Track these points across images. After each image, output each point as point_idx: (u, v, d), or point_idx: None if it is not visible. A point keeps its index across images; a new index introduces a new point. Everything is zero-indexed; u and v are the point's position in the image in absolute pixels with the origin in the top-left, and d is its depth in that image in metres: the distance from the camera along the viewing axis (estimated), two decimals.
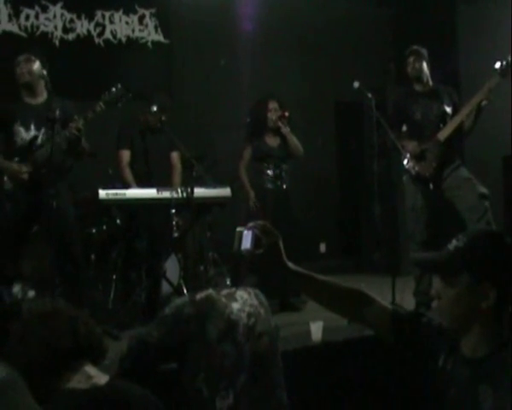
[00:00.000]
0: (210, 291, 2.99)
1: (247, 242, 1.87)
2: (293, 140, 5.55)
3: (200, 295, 2.95)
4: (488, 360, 1.70)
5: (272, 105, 5.56)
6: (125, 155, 5.27)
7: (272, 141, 5.61)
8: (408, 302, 4.75)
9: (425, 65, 5.14)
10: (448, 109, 5.07)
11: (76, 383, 1.87)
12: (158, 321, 2.99)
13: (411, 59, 5.14)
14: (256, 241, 1.87)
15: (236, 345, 2.84)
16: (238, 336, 2.86)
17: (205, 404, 2.80)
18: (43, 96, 4.51)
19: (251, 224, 1.90)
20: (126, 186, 5.03)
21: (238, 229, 1.90)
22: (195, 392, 2.80)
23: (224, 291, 3.06)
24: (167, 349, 2.95)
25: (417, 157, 4.96)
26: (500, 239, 1.80)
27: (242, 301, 2.98)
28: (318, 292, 2.00)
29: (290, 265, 1.94)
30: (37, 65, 4.47)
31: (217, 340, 2.82)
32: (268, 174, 5.51)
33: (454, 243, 1.79)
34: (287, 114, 5.51)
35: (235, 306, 2.93)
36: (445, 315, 1.79)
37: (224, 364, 2.81)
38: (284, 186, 5.54)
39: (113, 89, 4.58)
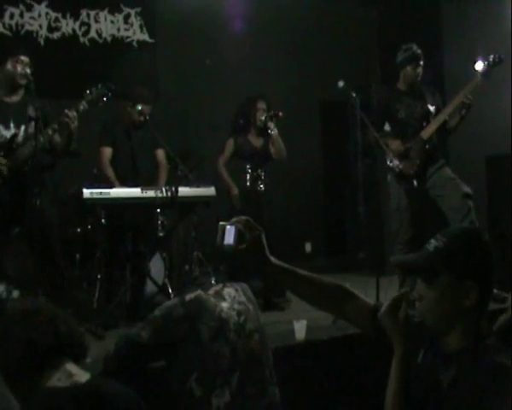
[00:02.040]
0: (199, 292, 3.00)
1: (229, 237, 1.88)
2: (280, 143, 5.50)
3: (189, 296, 2.96)
4: (465, 352, 1.72)
5: (261, 105, 5.55)
6: (107, 151, 5.27)
7: (256, 141, 5.59)
8: None
9: (421, 68, 5.15)
10: (431, 108, 5.11)
11: (56, 380, 1.86)
12: (147, 322, 2.99)
13: (414, 64, 5.09)
14: (239, 236, 1.88)
15: (229, 344, 2.85)
16: (230, 334, 2.87)
17: (196, 403, 2.80)
18: (19, 95, 4.49)
19: (234, 219, 1.91)
20: (110, 185, 5.02)
21: (221, 223, 1.91)
22: (186, 392, 2.80)
23: (212, 290, 3.07)
24: (156, 350, 2.95)
25: (401, 155, 4.99)
26: (478, 236, 1.81)
27: (231, 299, 2.99)
28: (300, 287, 2.01)
29: (273, 259, 1.95)
30: (30, 65, 4.45)
31: (209, 339, 2.83)
32: (248, 173, 5.48)
33: (433, 243, 1.79)
34: (280, 114, 5.48)
35: (225, 305, 2.94)
36: (427, 316, 1.78)
37: (218, 363, 2.82)
38: (262, 187, 5.50)
39: (95, 88, 4.56)
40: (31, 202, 4.21)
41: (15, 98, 4.48)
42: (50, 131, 4.35)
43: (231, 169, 5.64)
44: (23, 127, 4.39)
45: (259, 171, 5.45)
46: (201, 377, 2.80)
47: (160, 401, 2.86)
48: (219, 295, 3.00)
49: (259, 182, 5.46)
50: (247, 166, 5.47)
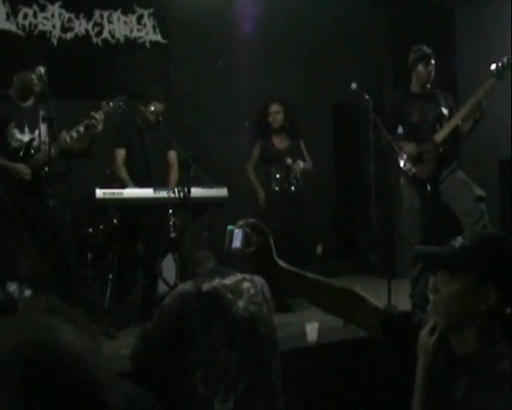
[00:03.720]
0: (216, 283, 2.90)
1: (237, 240, 1.87)
2: (307, 170, 5.67)
3: (206, 287, 2.86)
4: (476, 356, 1.71)
5: (274, 108, 5.57)
6: (121, 153, 5.29)
7: (280, 143, 5.62)
8: (404, 304, 4.76)
9: (433, 69, 5.12)
10: (445, 111, 5.08)
11: None
12: (163, 313, 2.91)
13: (425, 63, 5.08)
14: (246, 239, 1.87)
15: (239, 349, 2.80)
16: (241, 340, 2.81)
17: (200, 402, 2.78)
18: (32, 98, 4.50)
19: (241, 222, 1.90)
20: (123, 185, 5.03)
21: (229, 227, 1.90)
22: (192, 389, 2.78)
23: (231, 279, 2.95)
24: (172, 343, 2.90)
25: (414, 159, 4.96)
26: (506, 243, 1.79)
27: (248, 297, 2.89)
28: (309, 291, 1.99)
29: (280, 263, 1.92)
30: (44, 74, 4.47)
31: (219, 343, 2.78)
32: (275, 177, 5.52)
33: (460, 240, 1.78)
34: (294, 166, 5.57)
35: (241, 304, 2.86)
36: (439, 311, 1.77)
37: (224, 368, 2.77)
38: (292, 188, 5.54)
39: (112, 102, 4.57)
40: (44, 203, 4.23)
41: (29, 102, 4.49)
42: (68, 138, 4.36)
43: (259, 173, 5.70)
44: (37, 131, 4.41)
45: (285, 173, 5.49)
46: (206, 378, 2.77)
47: (172, 397, 2.85)
48: (237, 290, 2.90)
49: (287, 184, 5.49)
50: (273, 169, 5.50)
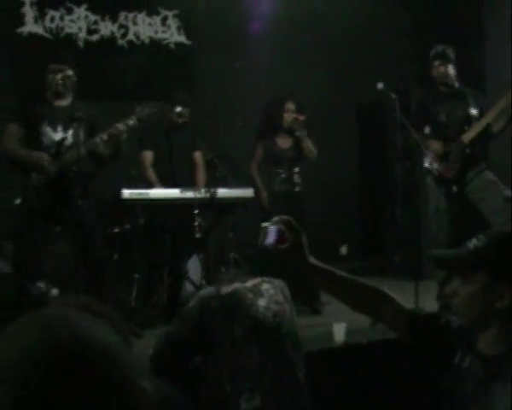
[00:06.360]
0: (236, 286, 2.96)
1: (271, 236, 1.90)
2: (308, 144, 5.46)
3: (226, 290, 2.92)
4: (504, 357, 1.70)
5: (290, 106, 5.51)
6: (148, 155, 5.31)
7: (284, 143, 5.55)
8: (431, 306, 4.72)
9: (451, 67, 5.06)
10: (474, 112, 5.02)
11: None
12: (183, 316, 2.97)
13: (437, 63, 5.06)
14: (280, 236, 1.89)
15: (262, 347, 2.82)
16: (264, 337, 2.84)
17: (227, 401, 2.79)
18: (69, 99, 4.56)
19: (276, 218, 1.92)
20: (151, 187, 5.06)
21: (263, 224, 1.92)
22: (219, 388, 2.79)
23: (250, 283, 3.01)
24: (194, 345, 2.94)
25: (440, 158, 4.93)
26: None
27: (268, 297, 2.94)
28: (338, 288, 2.02)
29: (312, 260, 1.95)
30: (70, 73, 4.54)
31: (243, 340, 2.81)
32: (279, 177, 5.46)
33: (474, 242, 1.81)
34: (302, 118, 5.42)
35: (262, 303, 2.90)
36: (462, 312, 1.80)
37: (249, 365, 2.79)
38: (296, 189, 5.47)
39: (147, 107, 4.64)
40: (73, 203, 4.27)
41: (65, 102, 4.56)
42: (98, 140, 4.41)
43: (263, 173, 5.65)
44: (71, 131, 4.46)
45: (289, 173, 5.43)
46: (231, 377, 2.79)
47: (199, 398, 2.86)
48: (257, 291, 2.95)
49: (291, 184, 5.44)
50: (277, 170, 5.45)
